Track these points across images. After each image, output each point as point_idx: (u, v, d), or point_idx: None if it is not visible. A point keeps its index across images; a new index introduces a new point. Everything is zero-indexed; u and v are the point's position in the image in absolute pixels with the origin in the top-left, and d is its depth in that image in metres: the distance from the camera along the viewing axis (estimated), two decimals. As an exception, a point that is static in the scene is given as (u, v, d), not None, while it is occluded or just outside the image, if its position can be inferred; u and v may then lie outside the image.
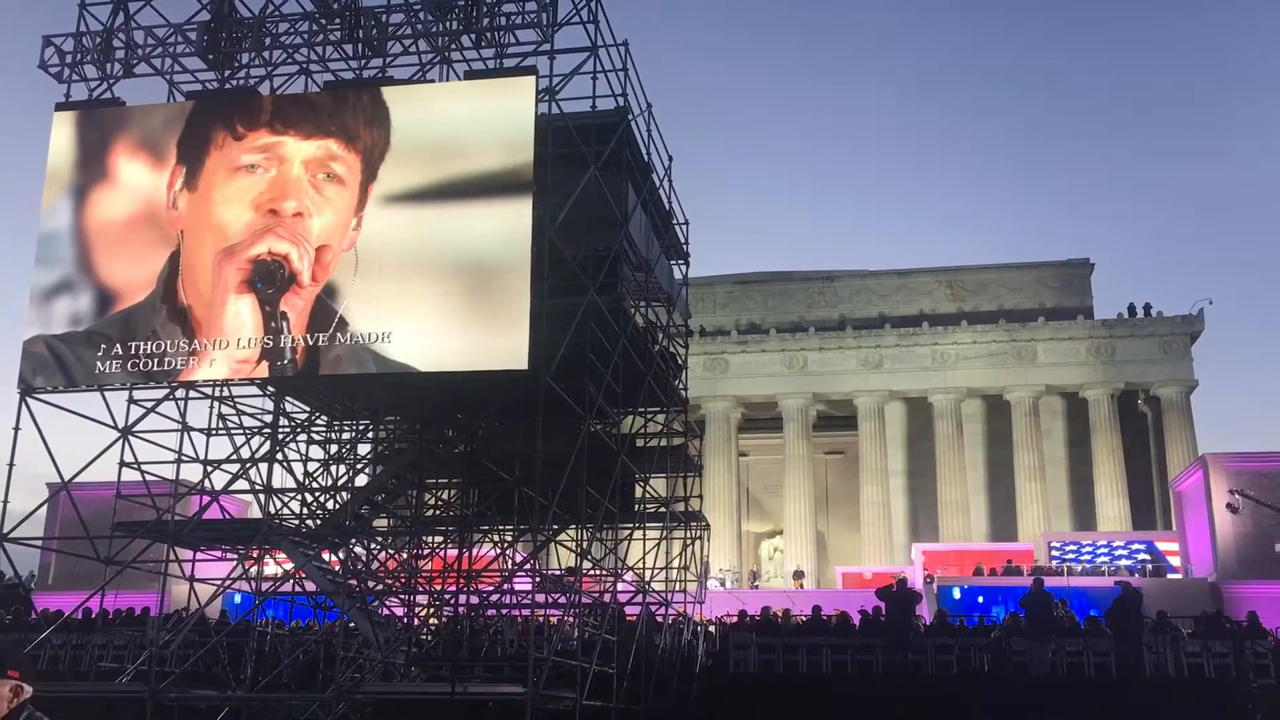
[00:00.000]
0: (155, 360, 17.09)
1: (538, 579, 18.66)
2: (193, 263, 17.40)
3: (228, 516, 20.30)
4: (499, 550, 21.83)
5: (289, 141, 17.54)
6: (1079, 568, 42.00)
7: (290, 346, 16.65)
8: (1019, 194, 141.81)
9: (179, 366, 17.04)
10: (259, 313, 16.86)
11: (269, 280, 16.85)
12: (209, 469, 18.97)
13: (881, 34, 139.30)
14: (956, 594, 38.91)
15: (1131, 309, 53.85)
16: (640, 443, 23.23)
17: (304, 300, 16.77)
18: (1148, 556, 42.94)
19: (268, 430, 19.13)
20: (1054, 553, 43.88)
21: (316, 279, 16.81)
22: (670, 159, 22.28)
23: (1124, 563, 42.43)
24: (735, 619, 27.63)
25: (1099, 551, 43.64)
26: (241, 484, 19.24)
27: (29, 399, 17.75)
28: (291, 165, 17.43)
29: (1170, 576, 41.94)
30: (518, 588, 20.93)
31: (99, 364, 17.24)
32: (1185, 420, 51.64)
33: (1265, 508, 36.25)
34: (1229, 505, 37.58)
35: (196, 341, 17.00)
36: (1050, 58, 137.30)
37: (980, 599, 38.13)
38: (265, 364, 16.80)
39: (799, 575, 48.65)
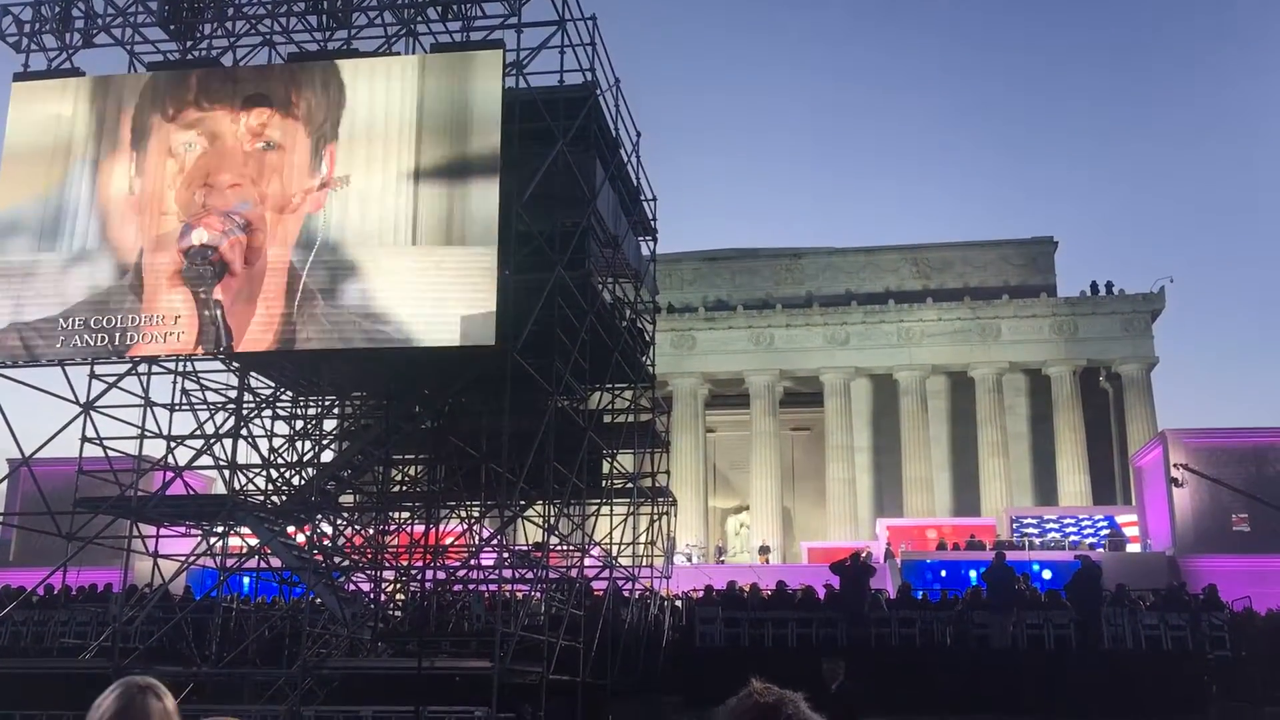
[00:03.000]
0: (103, 335, 16.81)
1: (505, 554, 18.70)
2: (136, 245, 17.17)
3: (192, 492, 20.19)
4: (466, 526, 21.84)
5: (218, 115, 17.31)
6: (1040, 541, 42.53)
7: (224, 328, 16.46)
8: (984, 173, 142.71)
9: (128, 343, 16.80)
10: (194, 300, 16.64)
11: (198, 280, 16.62)
12: (172, 444, 18.82)
13: (848, 14, 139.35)
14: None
15: (1094, 287, 54.31)
16: (608, 419, 23.27)
17: (240, 281, 16.54)
18: (1108, 531, 43.57)
19: (232, 406, 18.98)
20: (1015, 527, 44.44)
21: (249, 262, 16.58)
22: (638, 135, 22.24)
23: (1089, 540, 42.99)
24: (701, 594, 27.78)
25: (1066, 527, 44.19)
26: (206, 459, 19.12)
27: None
28: (224, 138, 17.21)
29: (1129, 550, 42.58)
30: (485, 563, 20.99)
31: (60, 340, 16.96)
32: (1145, 397, 52.26)
33: (1212, 482, 36.86)
34: (1173, 479, 38.25)
35: (139, 318, 16.76)
36: (1014, 40, 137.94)
37: (943, 573, 38.58)
38: (201, 341, 16.65)
39: (765, 550, 48.93)
